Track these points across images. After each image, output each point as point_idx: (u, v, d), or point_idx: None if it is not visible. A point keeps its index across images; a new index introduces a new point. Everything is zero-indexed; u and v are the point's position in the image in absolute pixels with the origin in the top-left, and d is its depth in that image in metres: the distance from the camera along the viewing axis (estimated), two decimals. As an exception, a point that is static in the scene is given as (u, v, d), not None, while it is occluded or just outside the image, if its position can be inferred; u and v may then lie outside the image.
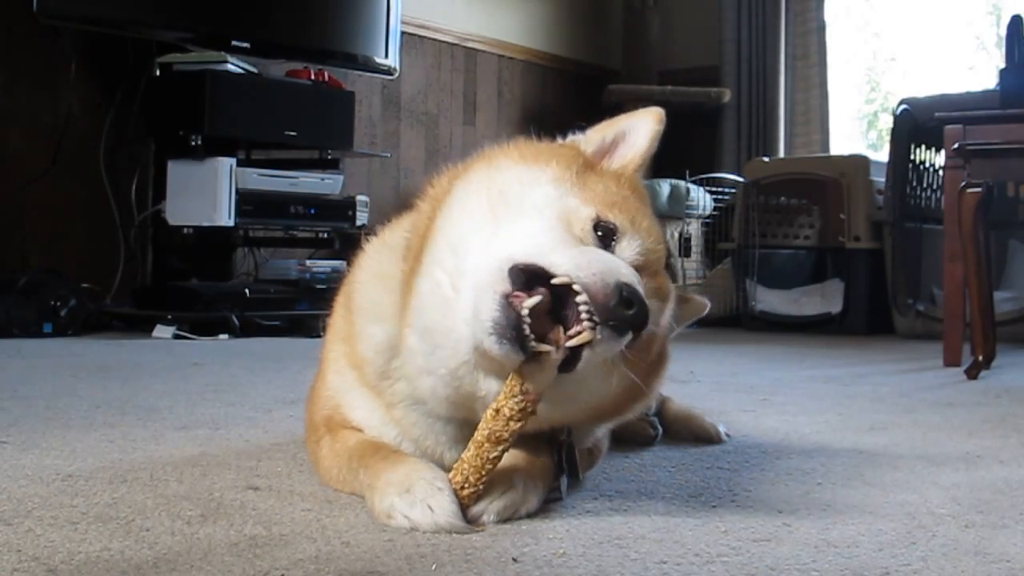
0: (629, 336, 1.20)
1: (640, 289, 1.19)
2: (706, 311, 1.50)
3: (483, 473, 1.28)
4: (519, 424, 1.26)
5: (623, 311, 1.16)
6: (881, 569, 1.15)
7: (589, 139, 1.44)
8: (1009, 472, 1.74)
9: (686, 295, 1.52)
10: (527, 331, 1.17)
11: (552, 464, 1.41)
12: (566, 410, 1.34)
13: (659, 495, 1.51)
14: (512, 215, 1.27)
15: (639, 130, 1.42)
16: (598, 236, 1.27)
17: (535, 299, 1.18)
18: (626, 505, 1.43)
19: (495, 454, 1.27)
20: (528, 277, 1.20)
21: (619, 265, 1.21)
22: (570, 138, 1.46)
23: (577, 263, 1.19)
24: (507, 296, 1.19)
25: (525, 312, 1.17)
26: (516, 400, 1.25)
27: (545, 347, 1.19)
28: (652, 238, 1.31)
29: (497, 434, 1.26)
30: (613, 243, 1.27)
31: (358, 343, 1.43)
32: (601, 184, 1.33)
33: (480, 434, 1.28)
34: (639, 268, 1.27)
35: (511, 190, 1.29)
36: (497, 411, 1.26)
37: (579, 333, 1.18)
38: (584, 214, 1.27)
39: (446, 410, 1.35)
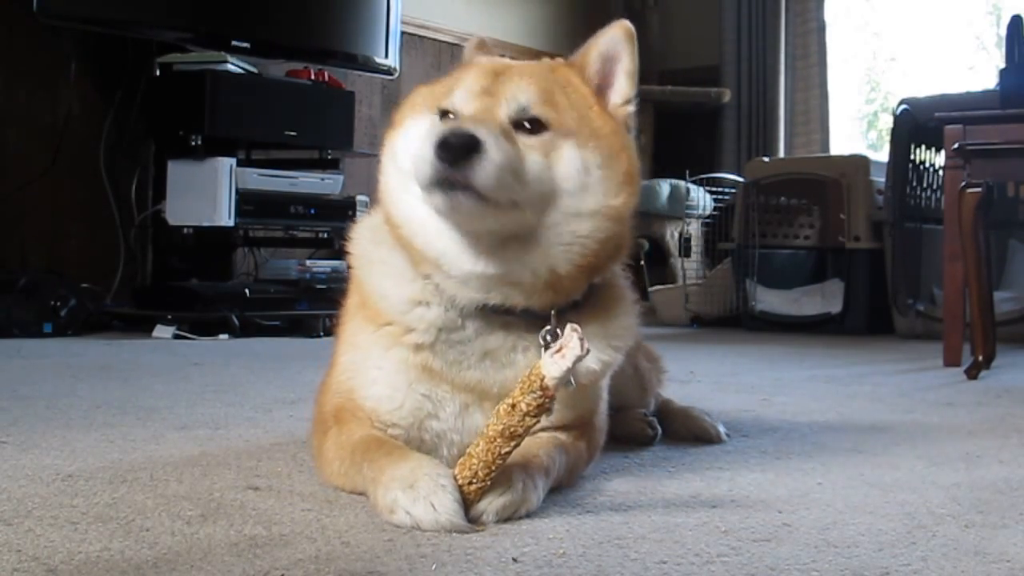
0: (485, 151, 1.33)
1: (441, 131, 1.34)
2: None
3: (492, 468, 1.28)
4: (535, 420, 1.26)
5: (448, 156, 1.33)
6: (881, 569, 1.15)
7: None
8: (1009, 472, 1.74)
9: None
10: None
11: (550, 462, 1.42)
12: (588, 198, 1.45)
13: (659, 495, 1.51)
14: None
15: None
16: (449, 118, 1.46)
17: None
18: (626, 505, 1.43)
19: (507, 449, 1.27)
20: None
21: (428, 138, 1.36)
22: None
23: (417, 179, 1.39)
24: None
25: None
26: (534, 396, 1.25)
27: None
28: (473, 75, 1.51)
29: (511, 429, 1.26)
30: (452, 114, 1.47)
31: (379, 280, 1.50)
32: (449, 80, 1.57)
33: (493, 429, 1.27)
34: (487, 90, 1.46)
35: (409, 137, 1.52)
36: (513, 406, 1.26)
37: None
38: (433, 118, 1.50)
39: (482, 289, 1.42)
